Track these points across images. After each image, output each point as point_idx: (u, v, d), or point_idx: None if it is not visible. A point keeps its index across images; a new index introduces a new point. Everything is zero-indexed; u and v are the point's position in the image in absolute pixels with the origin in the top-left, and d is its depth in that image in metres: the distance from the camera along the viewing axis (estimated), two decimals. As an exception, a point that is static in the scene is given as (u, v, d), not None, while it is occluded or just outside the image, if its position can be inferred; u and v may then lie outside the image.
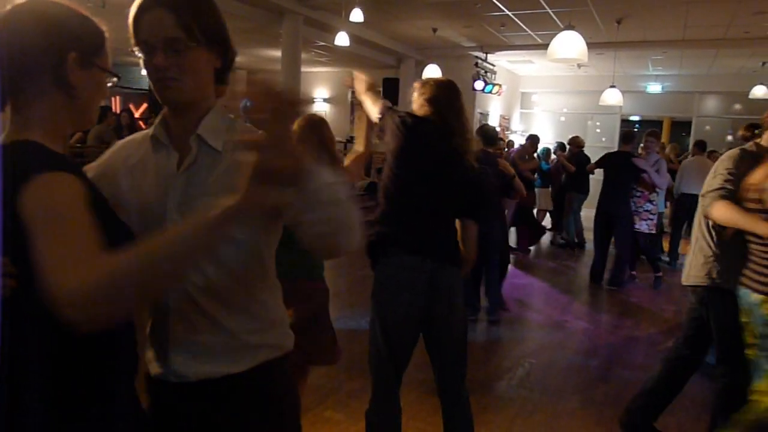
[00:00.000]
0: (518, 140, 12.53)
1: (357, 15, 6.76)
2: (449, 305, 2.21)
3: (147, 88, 15.37)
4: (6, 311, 0.88)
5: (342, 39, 7.73)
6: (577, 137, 8.73)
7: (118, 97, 14.05)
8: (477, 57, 10.47)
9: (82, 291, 0.78)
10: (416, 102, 2.28)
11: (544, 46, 9.67)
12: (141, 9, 1.10)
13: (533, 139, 8.17)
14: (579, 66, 11.18)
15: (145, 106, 13.95)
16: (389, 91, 11.68)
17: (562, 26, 8.29)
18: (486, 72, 10.61)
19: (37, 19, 1.00)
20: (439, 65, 9.58)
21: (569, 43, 4.80)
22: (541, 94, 14.06)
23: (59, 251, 0.82)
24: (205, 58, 1.13)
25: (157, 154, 1.19)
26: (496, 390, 3.54)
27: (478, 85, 10.26)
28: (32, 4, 1.02)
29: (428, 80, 2.30)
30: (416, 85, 2.33)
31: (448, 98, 2.23)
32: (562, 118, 13.88)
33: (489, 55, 10.70)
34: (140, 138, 1.25)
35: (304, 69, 9.19)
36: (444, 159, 2.22)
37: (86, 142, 7.18)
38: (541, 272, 6.89)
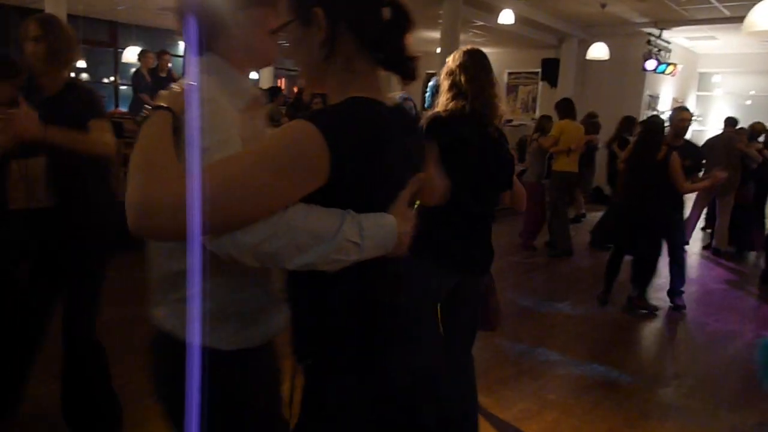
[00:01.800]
0: (693, 126, 11.33)
1: (522, -9, 6.47)
2: None
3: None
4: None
5: (506, 17, 7.51)
6: (759, 123, 7.61)
7: (283, 79, 15.01)
8: (650, 34, 9.59)
9: None
10: (441, 77, 2.23)
11: (734, 20, 8.65)
12: None
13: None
14: (775, 42, 9.79)
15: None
16: (549, 72, 11.18)
17: (758, -5, 7.30)
18: (660, 50, 9.69)
19: None
20: (605, 43, 8.93)
21: (773, 13, 4.12)
22: (724, 75, 12.55)
23: None
24: None
25: None
26: (661, 397, 3.25)
27: (650, 64, 9.40)
28: None
29: (453, 53, 2.21)
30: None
31: (464, 64, 2.14)
32: (749, 102, 12.29)
33: (664, 32, 9.75)
34: None
35: (461, 50, 9.06)
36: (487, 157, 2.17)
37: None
38: (715, 273, 6.20)
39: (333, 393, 1.03)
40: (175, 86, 1.14)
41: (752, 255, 7.04)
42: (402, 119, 1.11)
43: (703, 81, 12.80)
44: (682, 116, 4.52)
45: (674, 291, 4.74)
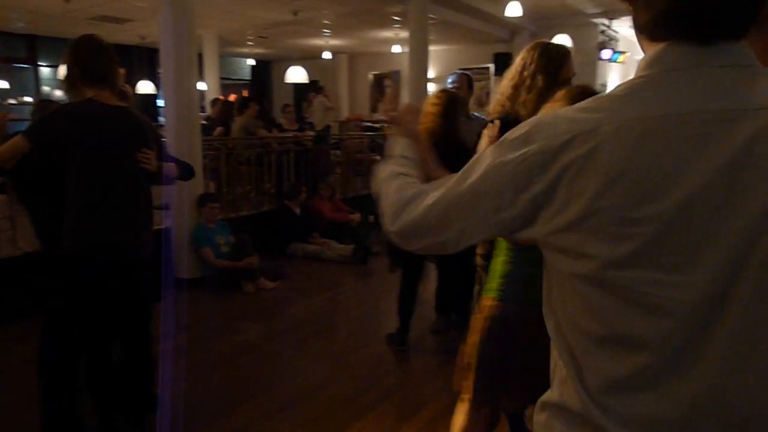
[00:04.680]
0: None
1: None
2: None
3: (248, 78, 15.50)
4: None
5: (514, 9, 7.64)
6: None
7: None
8: (603, 24, 9.73)
9: None
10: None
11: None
12: None
13: None
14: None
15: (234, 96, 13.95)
16: (501, 67, 11.11)
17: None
18: (611, 40, 9.87)
19: None
20: (557, 35, 8.96)
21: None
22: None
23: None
24: None
25: None
26: None
27: (606, 54, 9.54)
28: None
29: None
30: None
31: None
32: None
33: (614, 22, 9.94)
34: None
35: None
36: None
37: (229, 134, 7.13)
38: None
39: None
40: None
41: None
42: None
43: (641, 67, 13.25)
44: None
45: None
